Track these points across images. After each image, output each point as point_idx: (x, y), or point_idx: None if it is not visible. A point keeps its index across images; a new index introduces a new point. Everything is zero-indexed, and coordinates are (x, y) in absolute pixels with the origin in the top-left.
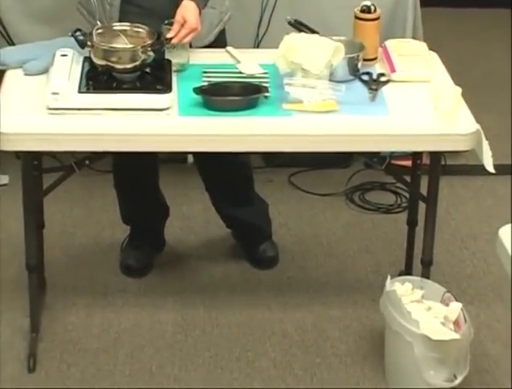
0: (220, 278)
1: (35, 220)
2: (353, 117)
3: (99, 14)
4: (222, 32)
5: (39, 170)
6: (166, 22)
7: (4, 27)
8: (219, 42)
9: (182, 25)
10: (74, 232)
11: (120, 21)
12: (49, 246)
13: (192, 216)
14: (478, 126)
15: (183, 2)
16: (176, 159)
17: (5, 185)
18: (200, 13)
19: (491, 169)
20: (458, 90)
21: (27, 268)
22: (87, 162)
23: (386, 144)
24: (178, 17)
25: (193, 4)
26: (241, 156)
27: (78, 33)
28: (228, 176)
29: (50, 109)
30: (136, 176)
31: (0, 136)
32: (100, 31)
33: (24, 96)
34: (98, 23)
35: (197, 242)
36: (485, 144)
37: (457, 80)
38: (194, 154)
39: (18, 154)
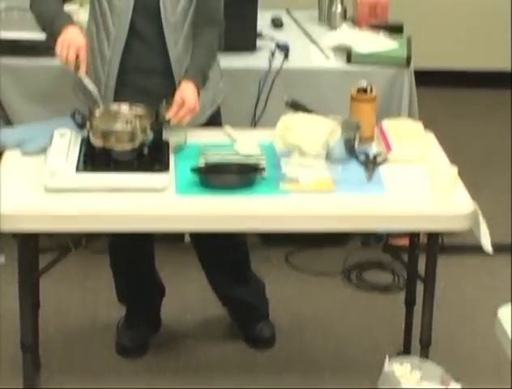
0: (217, 358)
1: (30, 299)
2: (350, 197)
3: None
4: (216, 113)
5: (35, 250)
6: (165, 102)
7: (2, 107)
8: (213, 123)
9: (181, 105)
10: (69, 312)
11: (115, 102)
12: (44, 325)
13: (188, 295)
14: (475, 206)
15: (182, 83)
16: (173, 238)
17: (0, 265)
18: (199, 94)
19: (489, 249)
20: (455, 170)
21: (21, 348)
22: (83, 242)
23: (382, 224)
24: (177, 97)
25: (192, 85)
26: (238, 235)
27: (76, 114)
28: (224, 255)
29: (47, 188)
30: (132, 255)
31: None
32: (98, 112)
33: (22, 176)
34: (99, 103)
35: (193, 321)
36: (482, 224)
37: (453, 160)
38: (191, 233)
39: (14, 234)
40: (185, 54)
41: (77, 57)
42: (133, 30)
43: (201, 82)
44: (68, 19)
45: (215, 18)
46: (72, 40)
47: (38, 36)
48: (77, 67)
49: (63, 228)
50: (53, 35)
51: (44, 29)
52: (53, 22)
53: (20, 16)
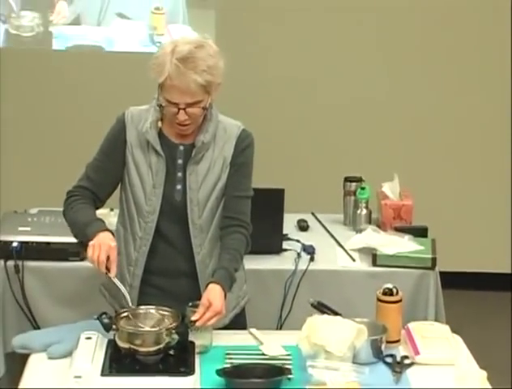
0: None
1: None
2: None
3: (119, 296)
4: (240, 315)
5: None
6: (190, 304)
7: (30, 310)
8: (237, 324)
9: (207, 308)
10: None
11: (139, 303)
12: None
13: None
14: None
15: (209, 286)
16: None
17: None
18: (225, 296)
19: None
20: (484, 374)
21: None
22: None
23: None
24: (204, 300)
25: (219, 287)
26: None
27: (103, 316)
28: None
29: None
30: None
31: None
32: (125, 314)
33: (46, 380)
34: (129, 304)
35: None
36: None
37: (482, 363)
38: None
39: None
40: (210, 256)
41: (108, 259)
42: (159, 232)
43: (228, 285)
44: (101, 226)
45: (243, 221)
46: (103, 242)
47: (67, 239)
48: (107, 269)
49: None
50: (85, 239)
51: (76, 235)
52: (85, 227)
53: (51, 221)
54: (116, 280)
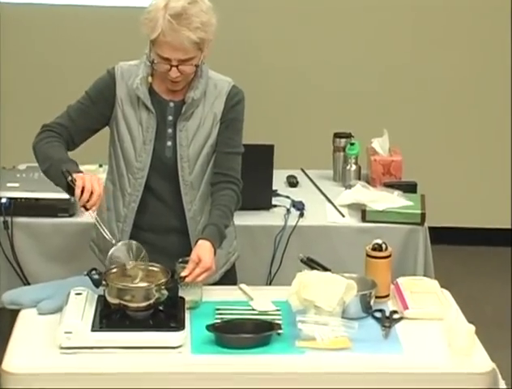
0: None
1: None
2: (367, 355)
3: (108, 250)
4: (230, 271)
5: None
6: (180, 260)
7: (20, 266)
8: (227, 280)
9: (197, 264)
10: None
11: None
12: None
13: None
14: (493, 365)
15: (199, 242)
16: None
17: None
18: (215, 253)
19: None
20: (472, 328)
21: None
22: None
23: (400, 383)
24: (193, 256)
25: (208, 244)
26: None
27: (93, 272)
28: None
29: (62, 348)
30: None
31: (7, 377)
32: (114, 270)
33: (37, 336)
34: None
35: None
36: (502, 383)
37: (470, 318)
38: None
39: None
40: (200, 213)
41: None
42: (148, 188)
43: (218, 241)
44: (77, 168)
45: (234, 177)
46: (92, 175)
47: (56, 195)
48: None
49: (78, 388)
50: (56, 177)
51: (46, 169)
52: (62, 164)
53: (40, 177)
54: (94, 215)
